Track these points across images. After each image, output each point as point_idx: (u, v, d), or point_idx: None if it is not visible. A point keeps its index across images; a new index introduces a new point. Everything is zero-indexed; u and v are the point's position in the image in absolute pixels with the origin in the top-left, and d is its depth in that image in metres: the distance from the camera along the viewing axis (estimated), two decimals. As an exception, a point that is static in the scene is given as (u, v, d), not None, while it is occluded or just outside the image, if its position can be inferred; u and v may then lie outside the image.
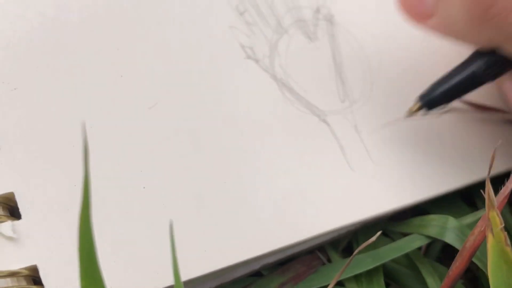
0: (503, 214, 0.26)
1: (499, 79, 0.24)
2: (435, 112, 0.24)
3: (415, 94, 0.26)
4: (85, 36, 0.25)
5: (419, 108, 0.24)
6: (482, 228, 0.21)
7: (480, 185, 0.22)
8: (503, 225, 0.19)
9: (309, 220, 0.24)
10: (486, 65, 0.22)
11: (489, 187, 0.19)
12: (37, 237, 0.21)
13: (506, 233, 0.19)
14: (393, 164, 0.26)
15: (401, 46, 0.28)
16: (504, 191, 0.20)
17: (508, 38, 0.20)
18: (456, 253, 0.22)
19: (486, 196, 0.19)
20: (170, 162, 0.24)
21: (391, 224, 0.26)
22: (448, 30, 0.22)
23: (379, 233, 0.21)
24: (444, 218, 0.25)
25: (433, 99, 0.24)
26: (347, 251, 0.26)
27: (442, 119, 0.27)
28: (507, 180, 0.21)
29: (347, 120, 0.26)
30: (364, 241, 0.26)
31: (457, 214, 0.26)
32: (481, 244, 0.21)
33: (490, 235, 0.19)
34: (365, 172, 0.25)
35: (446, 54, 0.27)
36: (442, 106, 0.24)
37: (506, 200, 0.21)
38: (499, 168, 0.26)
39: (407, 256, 0.25)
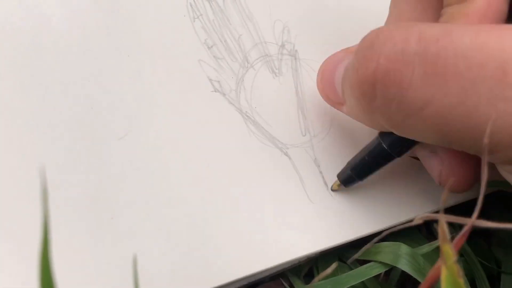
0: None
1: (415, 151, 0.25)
2: (355, 186, 0.26)
3: (372, 130, 0.27)
4: (57, 66, 0.25)
5: (339, 186, 0.26)
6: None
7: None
8: (456, 258, 0.19)
9: (270, 250, 0.25)
10: (389, 144, 0.23)
11: (442, 222, 0.19)
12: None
13: (459, 265, 0.19)
14: (350, 196, 0.26)
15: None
16: (464, 234, 0.21)
17: (394, 125, 0.21)
18: (414, 280, 0.23)
19: (439, 230, 0.19)
20: (138, 193, 0.24)
21: (348, 251, 0.27)
22: (354, 117, 0.24)
23: (334, 264, 0.21)
24: (397, 245, 0.26)
25: (347, 178, 0.26)
26: (309, 277, 0.26)
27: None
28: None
29: (307, 154, 0.26)
30: (324, 267, 0.26)
31: (413, 242, 0.26)
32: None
33: (443, 268, 0.19)
34: (324, 204, 0.26)
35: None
36: (358, 182, 0.25)
37: (465, 239, 0.21)
38: (457, 198, 0.27)
39: (364, 283, 0.25)
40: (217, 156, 0.25)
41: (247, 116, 0.26)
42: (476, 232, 0.29)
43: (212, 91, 0.26)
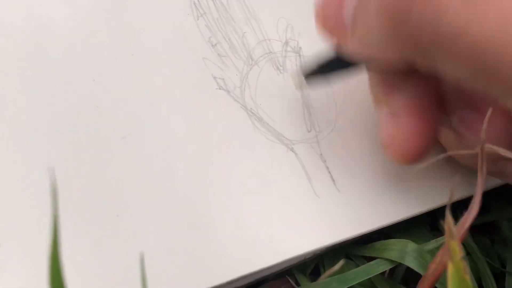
0: (464, 240, 0.27)
1: (378, 105, 0.24)
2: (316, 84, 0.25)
3: (377, 122, 0.27)
4: (61, 66, 0.25)
5: (301, 81, 0.25)
6: (443, 258, 0.21)
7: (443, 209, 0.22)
8: (463, 254, 0.19)
9: (277, 245, 0.24)
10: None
11: (448, 218, 0.19)
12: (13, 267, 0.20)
13: (465, 262, 0.19)
14: (357, 191, 0.26)
15: (365, 77, 0.28)
16: (464, 223, 0.21)
17: (424, 54, 0.19)
18: (420, 276, 0.22)
19: (445, 227, 0.19)
20: (143, 191, 0.23)
21: (354, 248, 0.26)
22: (366, 48, 0.21)
23: (342, 261, 0.20)
24: (404, 243, 0.25)
25: (310, 70, 0.25)
26: (315, 274, 0.26)
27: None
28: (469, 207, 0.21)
29: (313, 149, 0.26)
30: (330, 265, 0.26)
31: (419, 239, 0.26)
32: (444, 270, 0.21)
33: (450, 264, 0.19)
34: (330, 199, 0.25)
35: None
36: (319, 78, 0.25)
37: (466, 231, 0.21)
38: (463, 193, 0.26)
39: (370, 280, 0.25)
40: (222, 154, 0.25)
41: (252, 113, 0.26)
42: (479, 230, 0.28)
43: (217, 89, 0.26)
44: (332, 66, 0.24)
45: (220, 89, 0.26)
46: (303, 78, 0.25)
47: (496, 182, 0.27)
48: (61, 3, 0.26)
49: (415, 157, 0.23)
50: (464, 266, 0.19)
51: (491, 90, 0.18)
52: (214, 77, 0.26)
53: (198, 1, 0.28)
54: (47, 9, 0.26)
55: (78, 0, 0.26)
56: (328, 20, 0.22)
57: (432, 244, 0.25)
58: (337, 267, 0.21)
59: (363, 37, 0.21)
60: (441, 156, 0.25)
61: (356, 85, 0.28)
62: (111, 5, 0.26)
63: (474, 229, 0.28)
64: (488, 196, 0.27)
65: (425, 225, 0.28)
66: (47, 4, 0.26)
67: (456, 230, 0.19)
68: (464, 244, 0.27)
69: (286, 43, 0.28)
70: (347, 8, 0.21)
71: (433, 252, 0.25)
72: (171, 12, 0.27)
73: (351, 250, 0.26)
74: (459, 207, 0.22)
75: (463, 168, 0.25)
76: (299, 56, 0.28)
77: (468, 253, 0.27)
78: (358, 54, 0.22)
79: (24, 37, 0.25)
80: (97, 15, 0.26)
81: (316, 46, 0.28)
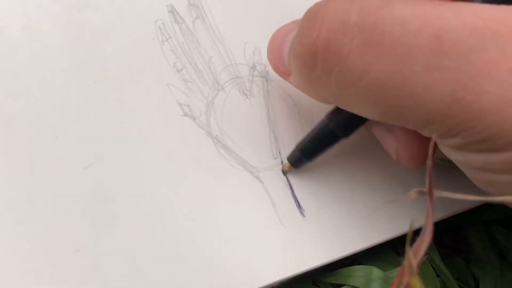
0: (432, 260, 0.27)
1: (371, 130, 0.25)
2: (305, 167, 0.26)
3: (346, 149, 0.26)
4: (20, 95, 0.24)
5: (290, 167, 0.26)
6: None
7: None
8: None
9: (242, 275, 0.24)
10: (336, 124, 0.23)
11: (409, 254, 0.19)
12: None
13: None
14: (324, 219, 0.25)
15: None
16: (417, 251, 0.20)
17: (334, 96, 0.20)
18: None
19: (405, 264, 0.19)
20: (105, 223, 0.23)
21: (321, 275, 0.26)
22: (299, 87, 0.23)
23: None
24: (369, 269, 0.25)
25: (296, 159, 0.25)
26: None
27: (370, 173, 0.27)
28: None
29: (279, 177, 0.26)
30: (297, 292, 0.25)
31: (387, 263, 0.26)
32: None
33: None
34: (296, 228, 0.25)
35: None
36: (307, 162, 0.25)
37: (422, 258, 0.21)
38: (436, 215, 0.26)
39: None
40: (186, 183, 0.25)
41: (217, 140, 0.26)
42: (454, 250, 0.28)
43: (182, 116, 0.26)
44: (318, 147, 0.24)
45: (185, 115, 0.26)
46: (290, 165, 0.26)
47: (465, 205, 0.27)
48: (24, 30, 0.25)
49: (425, 156, 0.22)
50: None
51: (405, 126, 0.20)
52: (179, 104, 0.26)
53: (163, 25, 0.27)
54: (7, 35, 0.25)
55: (39, 25, 0.25)
56: (274, 60, 0.24)
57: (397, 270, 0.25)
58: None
59: (294, 81, 0.23)
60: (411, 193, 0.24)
61: (324, 111, 0.27)
62: (73, 31, 0.26)
63: (449, 249, 0.28)
64: (461, 218, 0.27)
65: (394, 249, 0.28)
66: (7, 30, 0.25)
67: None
68: (434, 266, 0.27)
69: (254, 67, 0.27)
70: (285, 48, 0.23)
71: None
72: (135, 37, 0.26)
73: (318, 277, 0.26)
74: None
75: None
76: (266, 80, 0.27)
77: (438, 275, 0.27)
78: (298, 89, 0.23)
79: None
80: (58, 42, 0.25)
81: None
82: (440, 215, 0.27)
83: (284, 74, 0.24)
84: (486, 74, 0.16)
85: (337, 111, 0.23)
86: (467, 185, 0.21)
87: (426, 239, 0.18)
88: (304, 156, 0.25)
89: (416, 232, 0.19)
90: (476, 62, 0.17)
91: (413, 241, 0.19)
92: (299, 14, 0.23)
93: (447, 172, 0.26)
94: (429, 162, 0.19)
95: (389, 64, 0.18)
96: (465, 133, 0.18)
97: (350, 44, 0.18)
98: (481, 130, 0.17)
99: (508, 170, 0.18)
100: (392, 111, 0.19)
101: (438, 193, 0.18)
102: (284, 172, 0.26)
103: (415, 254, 0.20)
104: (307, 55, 0.20)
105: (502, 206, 0.26)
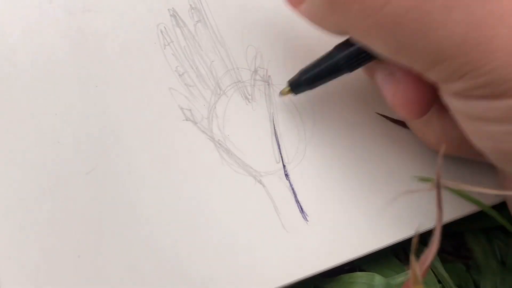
0: (434, 266, 0.27)
1: (374, 74, 0.24)
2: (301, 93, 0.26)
3: (348, 154, 0.26)
4: (21, 100, 0.24)
5: (289, 92, 0.26)
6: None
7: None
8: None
9: (244, 281, 0.24)
10: (343, 56, 0.23)
11: (414, 265, 0.19)
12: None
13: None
14: (326, 223, 0.25)
15: (335, 106, 0.28)
16: (424, 260, 0.20)
17: (352, 26, 0.21)
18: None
19: (411, 273, 0.19)
20: (107, 230, 0.23)
21: (322, 281, 0.26)
22: (312, 17, 0.23)
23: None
24: (370, 276, 0.25)
25: (297, 84, 0.25)
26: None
27: (373, 178, 0.26)
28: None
29: (281, 181, 0.25)
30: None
31: (390, 270, 0.25)
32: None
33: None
34: (299, 233, 0.25)
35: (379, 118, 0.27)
36: (307, 90, 0.25)
37: (428, 268, 0.21)
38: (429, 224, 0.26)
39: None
40: (189, 188, 0.24)
41: (219, 144, 0.25)
42: (455, 255, 0.28)
43: (184, 120, 0.25)
44: (321, 74, 0.24)
45: (187, 120, 0.25)
46: (292, 91, 0.26)
47: (466, 210, 0.26)
48: (24, 34, 0.25)
49: (422, 107, 0.23)
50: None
51: (414, 66, 0.20)
52: (181, 108, 0.25)
53: (165, 29, 0.27)
54: (9, 41, 0.25)
55: (42, 31, 0.25)
56: None
57: (401, 278, 0.25)
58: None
59: (309, 8, 0.22)
60: (409, 192, 0.24)
61: (325, 115, 0.27)
62: (75, 35, 0.25)
63: (450, 255, 0.28)
64: (461, 224, 0.27)
65: (396, 255, 0.27)
66: (10, 36, 0.25)
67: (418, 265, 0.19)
68: (435, 272, 0.27)
69: (255, 71, 0.27)
70: None
71: (401, 285, 0.25)
72: (137, 41, 0.26)
73: (319, 283, 0.26)
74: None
75: (433, 197, 0.25)
76: (268, 85, 0.27)
77: (440, 281, 0.27)
78: (307, 21, 0.23)
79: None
80: (59, 47, 0.25)
81: (286, 73, 0.28)
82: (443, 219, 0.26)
83: (295, 2, 0.23)
84: (500, 19, 0.17)
85: (346, 44, 0.23)
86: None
87: (433, 251, 0.18)
88: (304, 81, 0.25)
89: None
90: (491, 7, 0.17)
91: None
92: (300, 18, 0.23)
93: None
94: (437, 174, 0.19)
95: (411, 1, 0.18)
96: (471, 74, 0.18)
97: None
98: (487, 71, 0.18)
99: (507, 119, 0.19)
100: (403, 47, 0.19)
101: (458, 186, 0.18)
102: (281, 95, 0.26)
103: (421, 264, 0.20)
104: None
105: (501, 212, 0.26)
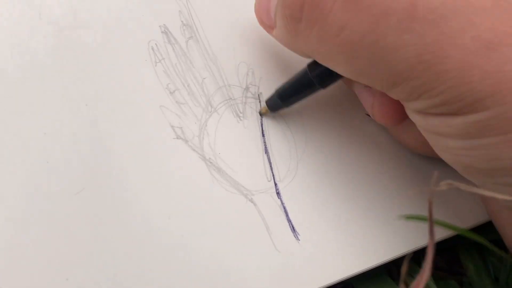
0: (426, 285, 0.26)
1: (352, 83, 0.25)
2: (280, 111, 0.26)
3: (340, 171, 0.26)
4: (10, 118, 0.23)
5: (267, 111, 0.26)
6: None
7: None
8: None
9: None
10: (316, 74, 0.24)
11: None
12: None
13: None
14: (318, 243, 0.25)
15: (327, 123, 0.28)
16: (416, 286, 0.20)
17: (313, 50, 0.21)
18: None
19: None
20: (96, 251, 0.22)
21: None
22: (281, 40, 0.24)
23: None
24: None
25: (273, 103, 0.26)
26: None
27: (365, 196, 0.26)
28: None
29: (273, 200, 0.25)
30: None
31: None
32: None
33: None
34: (290, 252, 0.24)
35: (373, 132, 0.27)
36: (284, 108, 0.26)
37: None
38: (422, 242, 0.26)
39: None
40: (179, 207, 0.24)
41: (210, 162, 0.25)
42: (449, 272, 0.28)
43: (174, 138, 0.25)
44: (296, 95, 0.25)
45: (177, 138, 0.25)
46: (265, 105, 0.26)
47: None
48: (12, 52, 0.24)
49: (397, 116, 0.24)
50: None
51: (375, 87, 0.21)
52: (172, 126, 0.25)
53: (157, 46, 0.26)
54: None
55: (30, 49, 0.25)
56: (260, 12, 0.25)
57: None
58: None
59: (278, 33, 0.24)
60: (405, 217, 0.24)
61: (317, 132, 0.27)
62: (65, 53, 0.25)
63: (443, 271, 0.28)
64: (454, 240, 0.27)
65: (388, 273, 0.27)
66: (-2, 54, 0.24)
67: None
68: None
69: (247, 88, 0.27)
70: (272, 4, 0.24)
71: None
72: (128, 58, 0.26)
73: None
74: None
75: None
76: (259, 102, 0.27)
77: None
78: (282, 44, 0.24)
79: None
80: (50, 62, 0.25)
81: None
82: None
83: (268, 27, 0.25)
84: (451, 40, 0.17)
85: (317, 63, 0.23)
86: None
87: (424, 278, 0.18)
88: (281, 100, 0.25)
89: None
90: (443, 28, 0.18)
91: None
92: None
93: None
94: (430, 205, 0.18)
95: (365, 24, 0.19)
96: (427, 94, 0.19)
97: (333, 0, 0.19)
98: (440, 92, 0.18)
99: (462, 135, 0.19)
100: (362, 71, 0.20)
101: (454, 185, 0.17)
102: (261, 114, 0.26)
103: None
104: (294, 6, 0.21)
105: (494, 228, 0.25)
